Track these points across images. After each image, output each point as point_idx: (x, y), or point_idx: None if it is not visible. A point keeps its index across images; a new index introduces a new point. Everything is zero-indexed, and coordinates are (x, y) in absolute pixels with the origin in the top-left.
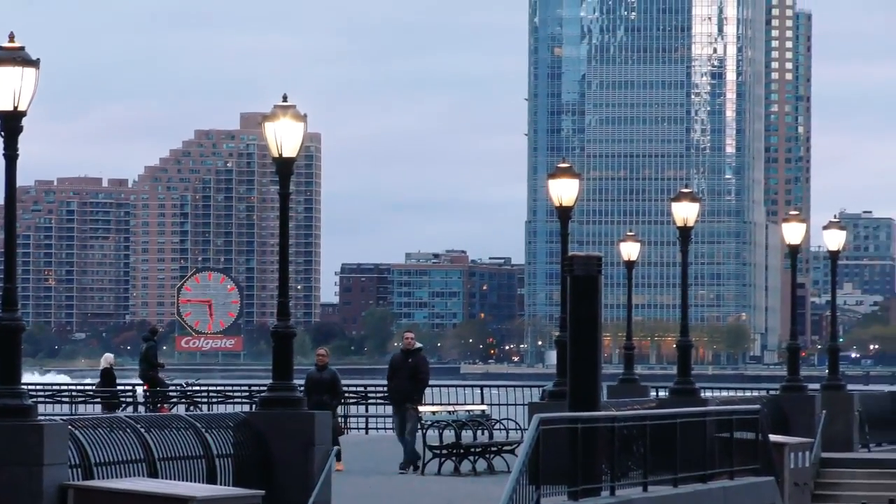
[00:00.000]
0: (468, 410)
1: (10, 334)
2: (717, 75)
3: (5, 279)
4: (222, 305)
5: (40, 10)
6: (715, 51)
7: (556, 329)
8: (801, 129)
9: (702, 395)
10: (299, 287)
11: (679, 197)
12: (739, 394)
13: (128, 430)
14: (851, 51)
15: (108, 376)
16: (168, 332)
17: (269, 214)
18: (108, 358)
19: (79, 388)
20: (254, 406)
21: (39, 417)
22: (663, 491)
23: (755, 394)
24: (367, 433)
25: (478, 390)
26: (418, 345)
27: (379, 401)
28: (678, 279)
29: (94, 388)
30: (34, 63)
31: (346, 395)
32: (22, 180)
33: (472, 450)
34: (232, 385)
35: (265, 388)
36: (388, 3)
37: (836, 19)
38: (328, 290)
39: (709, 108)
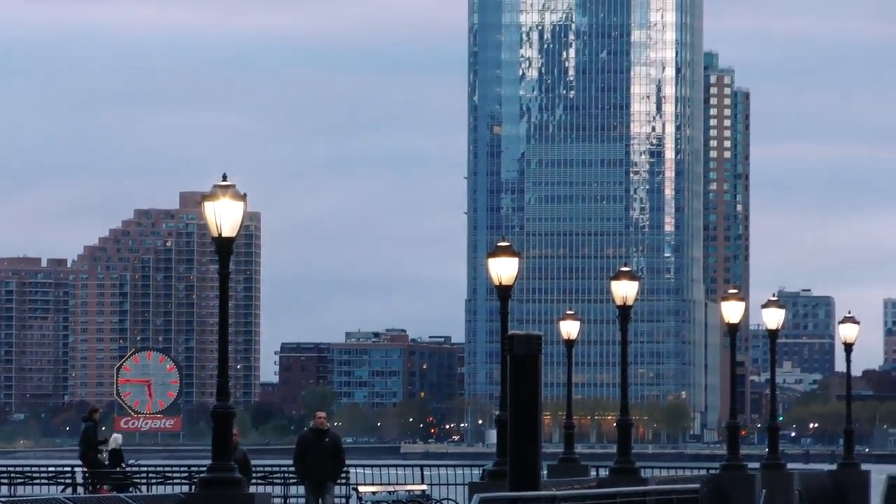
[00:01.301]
0: (408, 490)
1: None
2: (656, 153)
3: None
4: (161, 385)
5: None
6: (653, 129)
7: (497, 408)
8: (739, 208)
9: (642, 474)
10: (239, 366)
11: (618, 275)
12: (679, 472)
13: None
14: (790, 129)
15: (116, 456)
16: (107, 412)
17: (208, 293)
18: (116, 439)
19: (17, 469)
20: (193, 487)
21: None
22: None
23: (695, 473)
24: None
25: (418, 470)
26: (328, 424)
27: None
28: (618, 358)
29: (105, 466)
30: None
31: (286, 474)
32: None
33: None
34: (171, 465)
35: (205, 468)
36: (329, 83)
37: (774, 98)
38: (268, 370)
39: (648, 187)
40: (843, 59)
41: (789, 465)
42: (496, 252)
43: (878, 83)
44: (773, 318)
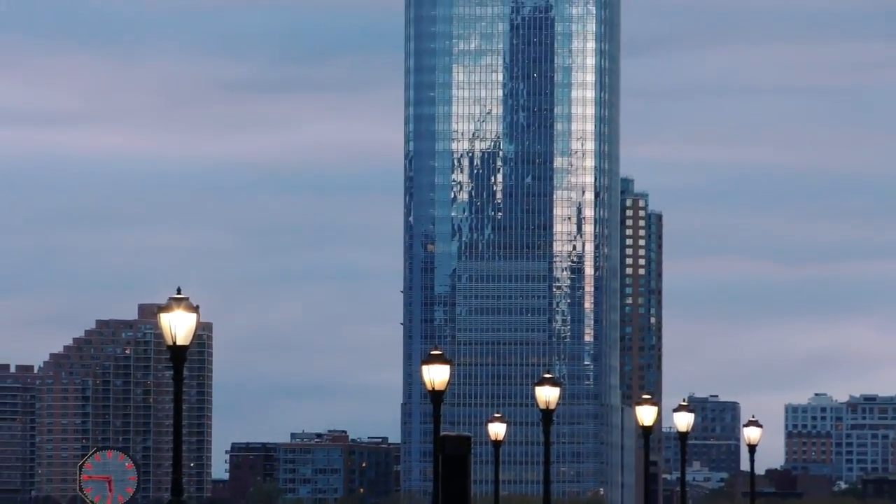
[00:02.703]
0: None
1: None
2: (577, 270)
3: None
4: (121, 482)
5: None
6: (574, 248)
7: None
8: (653, 320)
9: None
10: (192, 464)
11: (542, 382)
12: None
13: None
14: (700, 248)
15: None
16: None
17: (164, 397)
18: None
19: None
20: None
21: None
22: None
23: None
24: None
25: None
26: None
27: None
28: (541, 457)
29: None
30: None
31: None
32: None
33: None
34: None
35: None
36: (278, 204)
37: (685, 219)
38: (219, 467)
39: (569, 300)
40: (748, 183)
41: None
42: (430, 360)
43: (780, 206)
44: (684, 422)
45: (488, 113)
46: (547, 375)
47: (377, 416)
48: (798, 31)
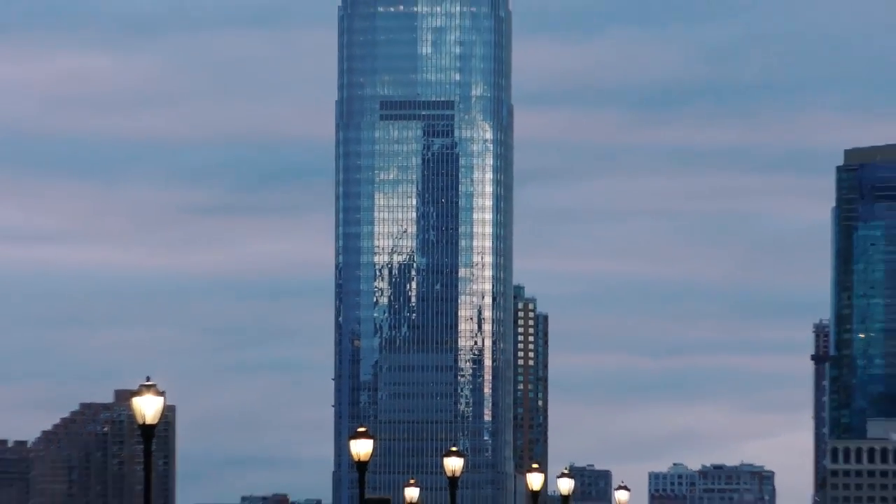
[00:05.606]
0: None
1: None
2: (478, 361)
3: None
4: None
5: None
6: (476, 343)
7: None
8: (540, 403)
9: None
10: None
11: (449, 454)
12: None
13: None
14: (580, 343)
15: None
16: None
17: (136, 467)
18: None
19: None
20: None
21: None
22: None
23: None
24: None
25: None
26: None
27: None
28: None
29: None
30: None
31: None
32: None
33: None
34: None
35: None
36: (231, 308)
37: (568, 319)
38: None
39: (471, 386)
40: (622, 290)
41: None
42: (356, 436)
43: (648, 309)
44: (566, 486)
45: (404, 231)
46: (453, 448)
47: (313, 482)
48: (665, 164)
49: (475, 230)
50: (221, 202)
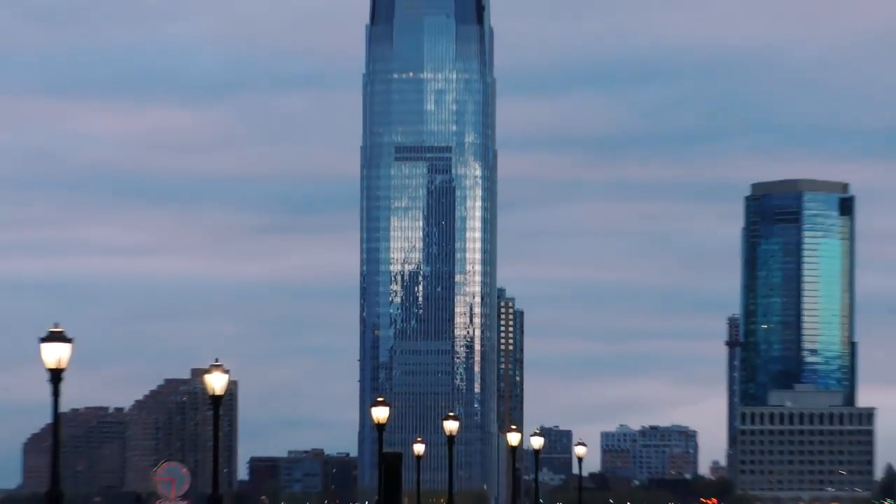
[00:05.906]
0: None
1: None
2: (470, 347)
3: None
4: (180, 481)
5: None
6: (468, 333)
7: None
8: (518, 378)
9: None
10: (225, 470)
11: (447, 418)
12: None
13: None
14: (550, 332)
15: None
16: (150, 497)
17: (207, 428)
18: None
19: None
20: None
21: None
22: None
23: None
24: None
25: None
26: None
27: None
28: (447, 466)
29: None
30: (70, 340)
31: None
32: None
33: None
34: None
35: None
36: (279, 306)
37: (540, 314)
38: (243, 472)
39: (465, 366)
40: (581, 291)
41: None
42: (376, 404)
43: (602, 306)
44: (537, 442)
45: (413, 246)
46: (450, 414)
47: (343, 440)
48: (614, 195)
49: (468, 245)
50: (274, 224)
